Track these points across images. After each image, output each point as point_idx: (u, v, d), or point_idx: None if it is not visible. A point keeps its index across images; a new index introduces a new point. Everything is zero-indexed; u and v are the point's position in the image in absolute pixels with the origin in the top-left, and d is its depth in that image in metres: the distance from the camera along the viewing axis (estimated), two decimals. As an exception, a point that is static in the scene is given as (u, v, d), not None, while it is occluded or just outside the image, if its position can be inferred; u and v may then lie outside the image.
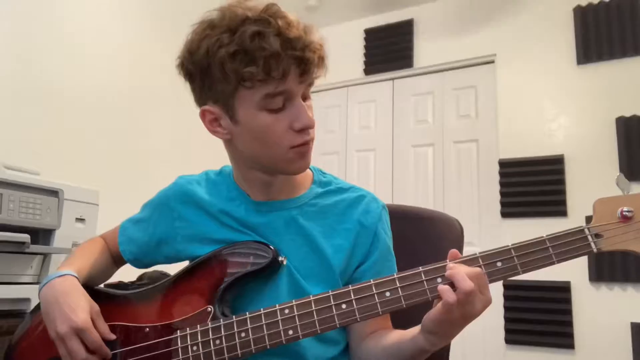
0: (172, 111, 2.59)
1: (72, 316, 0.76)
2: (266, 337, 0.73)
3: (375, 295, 0.71)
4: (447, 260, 0.70)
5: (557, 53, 2.81)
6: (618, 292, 2.47)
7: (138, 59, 2.42)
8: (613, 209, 0.72)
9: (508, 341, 2.64)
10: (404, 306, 0.70)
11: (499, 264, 0.70)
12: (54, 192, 1.40)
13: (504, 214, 2.79)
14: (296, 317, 0.72)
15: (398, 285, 0.70)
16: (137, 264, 0.98)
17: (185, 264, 0.91)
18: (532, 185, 2.73)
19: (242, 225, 0.87)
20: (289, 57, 0.72)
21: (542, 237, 0.72)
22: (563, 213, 2.62)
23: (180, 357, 0.76)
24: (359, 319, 0.71)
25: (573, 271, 2.54)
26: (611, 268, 2.47)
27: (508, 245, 0.71)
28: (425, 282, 0.70)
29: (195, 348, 0.76)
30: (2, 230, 1.24)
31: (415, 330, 0.73)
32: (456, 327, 0.68)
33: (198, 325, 0.77)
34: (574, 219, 2.59)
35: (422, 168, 3.17)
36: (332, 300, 0.72)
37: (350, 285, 0.72)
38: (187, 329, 0.78)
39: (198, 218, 0.90)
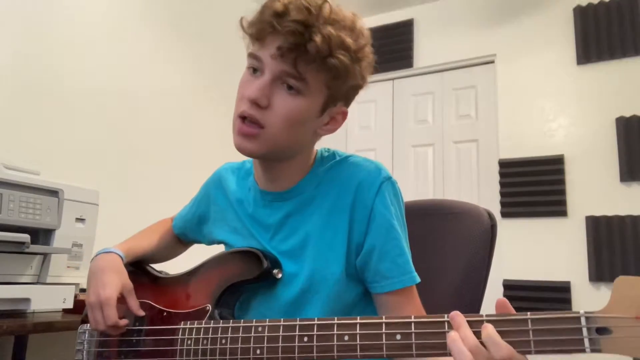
0: (173, 111, 2.59)
1: (100, 290, 0.83)
2: (239, 350, 0.72)
3: (335, 336, 0.65)
4: (446, 316, 0.59)
5: (557, 53, 2.81)
6: (618, 292, 2.46)
7: (139, 59, 2.42)
8: (637, 297, 0.49)
9: (508, 341, 2.64)
10: (358, 357, 0.63)
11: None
12: (54, 192, 1.40)
13: (504, 214, 2.79)
14: (265, 337, 0.70)
15: (358, 331, 0.63)
16: (185, 238, 1.07)
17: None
18: (532, 185, 2.73)
19: (250, 217, 0.89)
20: (267, 24, 0.74)
21: (526, 315, 0.55)
22: (563, 213, 2.63)
23: (178, 347, 0.80)
24: (315, 358, 0.66)
25: (573, 271, 2.55)
26: (611, 268, 2.46)
27: (482, 315, 0.57)
28: (384, 334, 0.62)
29: (189, 342, 0.78)
30: (2, 230, 1.24)
31: None
32: None
33: (195, 322, 0.80)
34: (573, 219, 2.59)
35: (422, 168, 3.17)
36: (297, 330, 0.68)
37: (316, 319, 0.68)
38: (188, 322, 0.80)
39: (224, 204, 0.95)
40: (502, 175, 2.84)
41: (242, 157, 0.87)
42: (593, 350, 0.50)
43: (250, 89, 0.76)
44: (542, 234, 2.68)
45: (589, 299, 2.51)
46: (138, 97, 2.41)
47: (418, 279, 0.81)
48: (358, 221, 0.80)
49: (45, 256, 1.39)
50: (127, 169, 2.30)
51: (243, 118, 0.76)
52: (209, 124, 2.75)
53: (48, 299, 1.36)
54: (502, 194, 2.82)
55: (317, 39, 0.72)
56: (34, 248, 1.32)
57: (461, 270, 0.95)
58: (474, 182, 3.00)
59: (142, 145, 2.41)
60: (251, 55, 0.78)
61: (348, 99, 0.84)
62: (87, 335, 0.91)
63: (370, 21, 3.47)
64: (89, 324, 0.86)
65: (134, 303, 0.87)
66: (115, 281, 0.84)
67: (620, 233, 2.46)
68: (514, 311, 0.57)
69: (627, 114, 2.57)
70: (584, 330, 0.51)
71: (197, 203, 1.03)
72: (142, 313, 0.86)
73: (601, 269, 2.49)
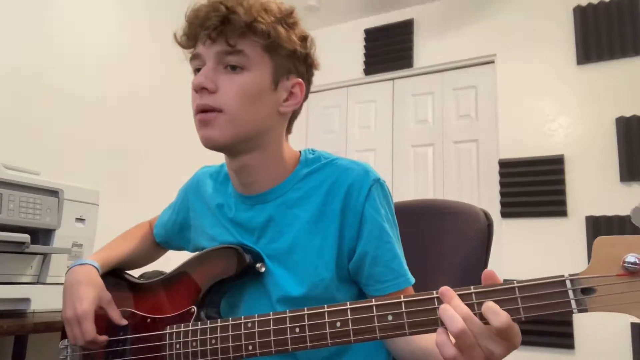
0: (172, 111, 2.59)
1: (77, 305, 0.81)
2: (230, 348, 0.72)
3: (327, 324, 0.65)
4: (434, 292, 0.60)
5: (557, 53, 2.81)
6: (618, 292, 2.46)
7: (138, 59, 2.43)
8: (617, 255, 0.52)
9: (508, 341, 2.64)
10: (352, 341, 0.63)
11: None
12: (54, 192, 1.40)
13: (504, 214, 2.79)
14: (256, 333, 0.70)
15: (349, 316, 0.63)
16: (168, 246, 1.05)
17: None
18: (532, 185, 2.73)
19: (232, 221, 0.87)
20: (194, 19, 0.78)
21: (513, 283, 0.57)
22: (563, 213, 2.62)
23: (167, 352, 0.78)
24: (309, 347, 0.66)
25: (573, 271, 2.54)
26: (611, 268, 2.46)
27: (470, 288, 0.58)
28: (376, 317, 0.62)
29: (178, 346, 0.77)
30: (2, 230, 1.24)
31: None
32: None
33: (182, 325, 0.79)
34: (573, 219, 2.59)
35: (422, 168, 3.17)
36: (287, 322, 0.68)
37: (306, 309, 0.67)
38: (175, 326, 0.79)
39: (202, 211, 0.93)
40: (502, 175, 2.84)
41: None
42: (580, 310, 0.53)
43: (198, 78, 0.77)
44: (542, 234, 2.68)
45: (589, 299, 2.50)
46: (138, 98, 2.41)
47: (412, 280, 0.80)
48: (349, 226, 0.79)
49: (45, 256, 1.39)
50: (127, 169, 2.30)
51: (200, 112, 0.77)
52: (209, 124, 2.75)
53: (48, 299, 1.35)
54: (502, 194, 2.82)
55: (240, 10, 0.75)
56: (34, 248, 1.32)
57: (458, 270, 0.96)
58: (474, 182, 3.00)
59: (142, 145, 2.41)
60: (191, 59, 0.81)
61: (299, 70, 0.83)
62: (69, 350, 0.89)
63: (370, 21, 3.47)
64: (68, 339, 0.84)
65: (114, 313, 0.85)
66: (92, 294, 0.83)
67: (620, 233, 2.45)
68: (501, 281, 0.58)
69: (627, 114, 2.57)
70: (570, 293, 0.54)
71: (176, 210, 1.01)
72: (124, 322, 0.85)
73: (601, 269, 2.48)
